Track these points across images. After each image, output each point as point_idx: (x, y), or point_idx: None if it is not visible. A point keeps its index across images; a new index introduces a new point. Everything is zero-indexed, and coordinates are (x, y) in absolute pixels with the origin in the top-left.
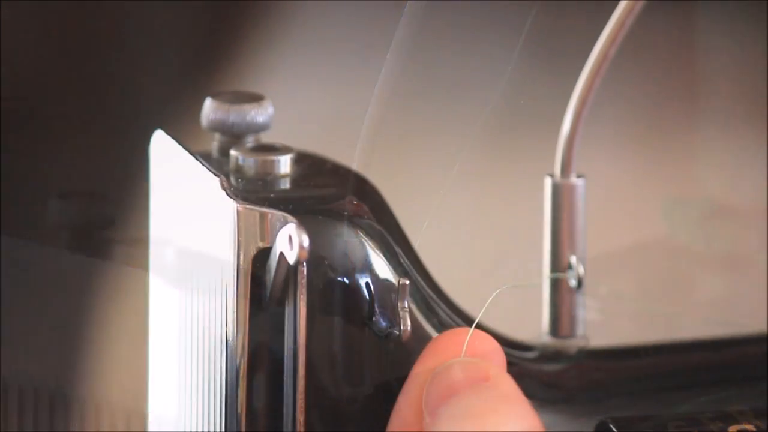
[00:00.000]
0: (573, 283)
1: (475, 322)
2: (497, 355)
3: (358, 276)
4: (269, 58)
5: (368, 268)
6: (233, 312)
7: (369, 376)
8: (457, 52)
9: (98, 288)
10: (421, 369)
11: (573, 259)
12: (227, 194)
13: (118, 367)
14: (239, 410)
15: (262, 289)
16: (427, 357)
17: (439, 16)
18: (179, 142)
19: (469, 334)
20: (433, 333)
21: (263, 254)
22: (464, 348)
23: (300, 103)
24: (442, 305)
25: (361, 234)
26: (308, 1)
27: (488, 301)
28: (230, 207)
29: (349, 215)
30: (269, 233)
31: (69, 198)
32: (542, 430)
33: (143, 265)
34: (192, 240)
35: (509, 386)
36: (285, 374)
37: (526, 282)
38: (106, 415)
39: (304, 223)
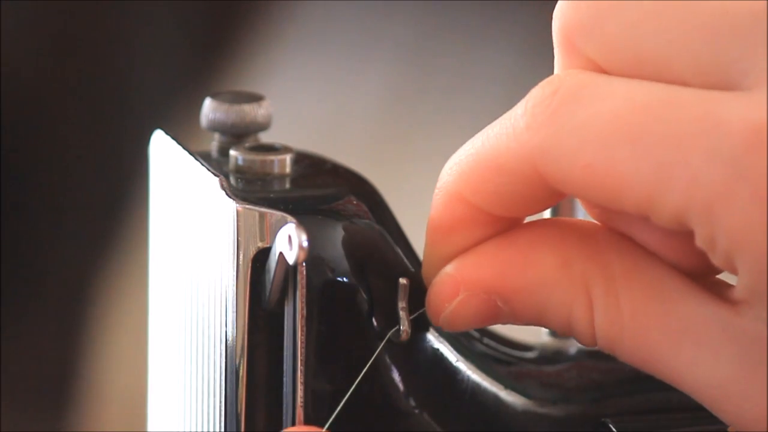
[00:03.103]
0: None
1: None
2: None
3: (357, 276)
4: (269, 58)
5: (368, 268)
6: (233, 312)
7: (368, 377)
8: (457, 52)
9: (98, 288)
10: None
11: None
12: (226, 194)
13: (117, 367)
14: (239, 410)
15: (261, 289)
16: None
17: (439, 17)
18: (179, 142)
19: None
20: (433, 333)
21: (263, 254)
22: None
23: (300, 103)
24: None
25: (360, 234)
26: (307, 1)
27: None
28: (229, 207)
29: (349, 215)
30: (269, 233)
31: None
32: None
33: (143, 265)
34: (191, 240)
35: None
36: (284, 374)
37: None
38: (106, 415)
39: (303, 223)
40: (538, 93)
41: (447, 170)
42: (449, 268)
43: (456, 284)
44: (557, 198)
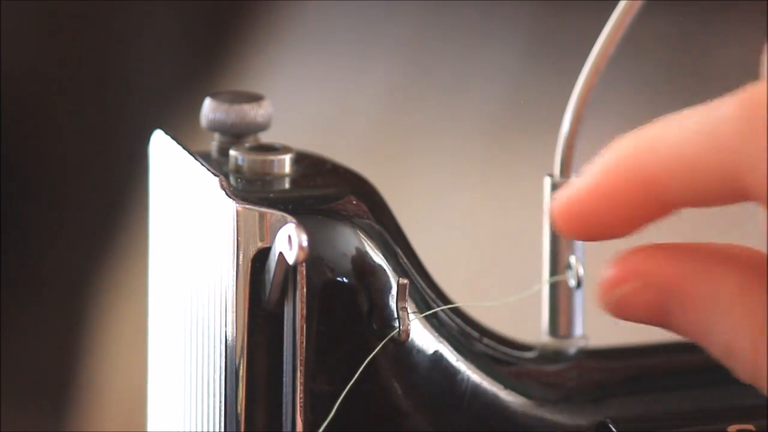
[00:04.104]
0: (572, 283)
1: None
2: None
3: (357, 276)
4: (269, 58)
5: (368, 268)
6: (233, 312)
7: (368, 377)
8: (457, 52)
9: (98, 288)
10: None
11: (572, 259)
12: (226, 194)
13: (117, 367)
14: (239, 410)
15: (261, 289)
16: None
17: (440, 16)
18: (179, 142)
19: None
20: (433, 333)
21: (262, 254)
22: None
23: (300, 103)
24: (442, 305)
25: (360, 234)
26: (308, 1)
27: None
28: (229, 207)
29: (349, 215)
30: (268, 233)
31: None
32: None
33: (143, 265)
34: (191, 240)
35: None
36: (284, 375)
37: (525, 291)
38: (106, 415)
39: (303, 223)
40: (752, 96)
41: (631, 146)
42: (630, 253)
43: (634, 270)
44: (741, 200)
